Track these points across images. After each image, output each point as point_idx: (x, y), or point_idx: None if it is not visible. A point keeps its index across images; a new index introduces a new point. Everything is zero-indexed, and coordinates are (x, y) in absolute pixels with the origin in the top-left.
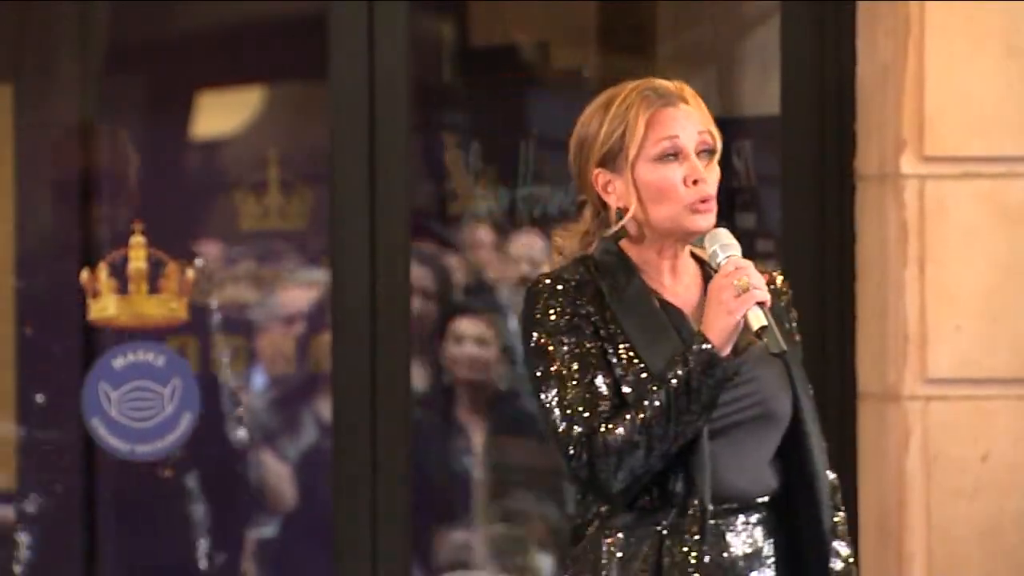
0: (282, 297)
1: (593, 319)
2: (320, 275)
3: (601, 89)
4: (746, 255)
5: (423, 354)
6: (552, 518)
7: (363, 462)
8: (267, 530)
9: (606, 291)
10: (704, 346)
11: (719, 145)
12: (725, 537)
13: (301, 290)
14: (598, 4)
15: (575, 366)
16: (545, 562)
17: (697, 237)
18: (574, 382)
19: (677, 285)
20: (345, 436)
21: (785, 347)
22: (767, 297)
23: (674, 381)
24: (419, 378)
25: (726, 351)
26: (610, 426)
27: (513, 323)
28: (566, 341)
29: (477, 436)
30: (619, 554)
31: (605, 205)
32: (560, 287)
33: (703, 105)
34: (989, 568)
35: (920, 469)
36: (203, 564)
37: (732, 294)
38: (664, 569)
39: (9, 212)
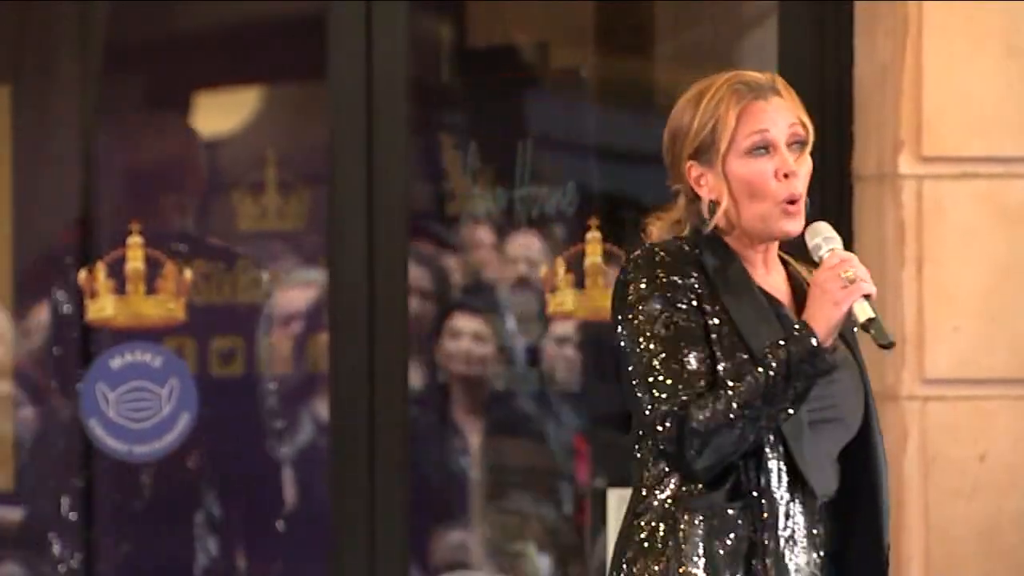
0: (280, 297)
1: (698, 291)
2: (318, 275)
3: (599, 88)
4: None
5: (421, 354)
6: (549, 518)
7: (360, 462)
8: (265, 530)
9: (710, 268)
10: (807, 334)
11: (811, 136)
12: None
13: (299, 290)
14: (597, 4)
15: (676, 340)
16: (543, 562)
17: (784, 238)
18: (673, 357)
19: (769, 277)
20: (343, 436)
21: (894, 339)
22: (873, 289)
23: (774, 365)
24: (417, 378)
25: (828, 343)
26: (703, 403)
27: (511, 323)
28: (668, 313)
29: (474, 436)
30: (700, 540)
31: (697, 197)
32: (664, 257)
33: (795, 96)
34: (987, 568)
35: (918, 469)
36: (201, 563)
37: (839, 285)
38: (758, 553)
39: (7, 212)
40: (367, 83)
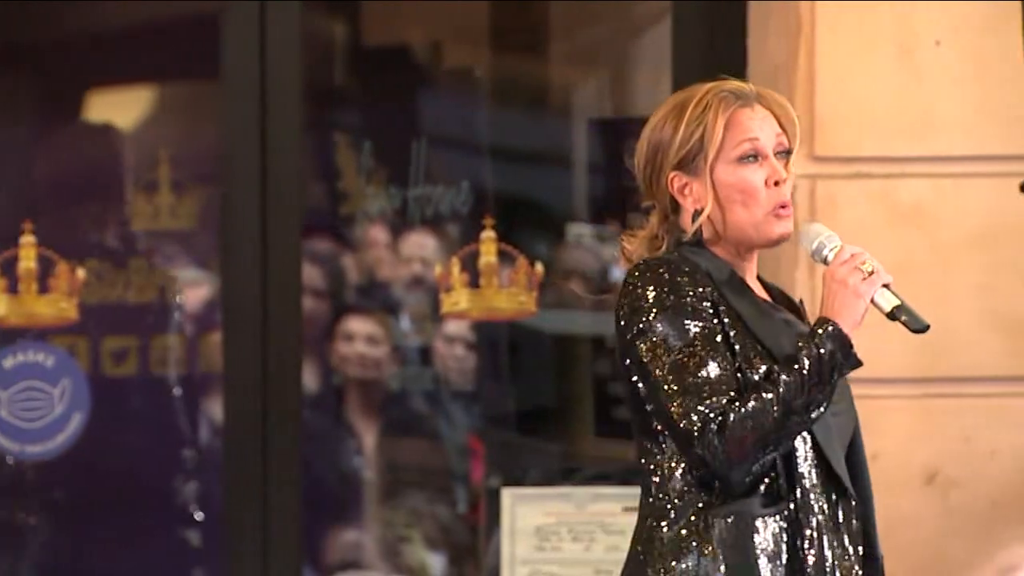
0: (173, 297)
1: (713, 299)
2: (211, 275)
3: (493, 88)
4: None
5: (315, 355)
6: (443, 518)
7: (254, 462)
8: (158, 530)
9: (714, 275)
10: (836, 329)
11: (796, 144)
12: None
13: (192, 290)
14: (491, 4)
15: (696, 347)
16: (436, 561)
17: (776, 243)
18: (695, 363)
19: (755, 287)
20: (236, 436)
21: (927, 323)
22: (891, 278)
23: (808, 363)
24: (311, 379)
25: (853, 336)
26: (739, 407)
27: (405, 323)
28: (685, 321)
29: (368, 436)
30: (731, 541)
31: (676, 209)
32: (675, 268)
33: (777, 103)
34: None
35: None
36: (93, 563)
37: (859, 277)
38: (797, 560)
39: None
40: (261, 82)
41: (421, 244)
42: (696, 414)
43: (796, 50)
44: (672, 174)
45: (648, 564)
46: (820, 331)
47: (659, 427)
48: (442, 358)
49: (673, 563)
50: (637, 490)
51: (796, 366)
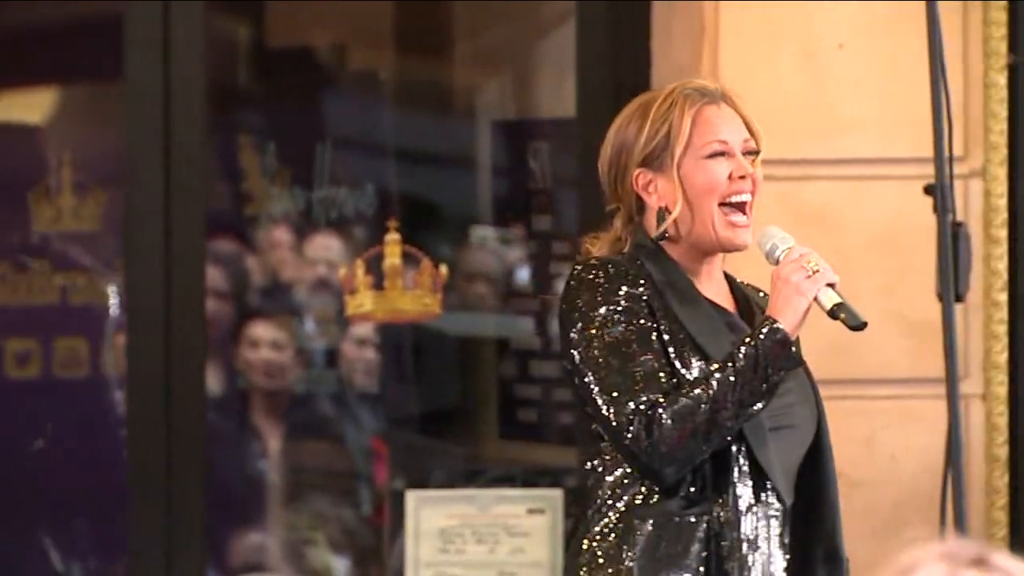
0: (76, 299)
1: (648, 301)
2: (115, 277)
3: (397, 90)
4: (543, 257)
5: (219, 357)
6: (347, 520)
7: (158, 465)
8: (61, 531)
9: (656, 280)
10: (775, 327)
11: (762, 146)
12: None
13: (95, 292)
14: (394, 5)
15: (630, 345)
16: (340, 564)
17: (731, 251)
18: (629, 360)
19: (711, 289)
20: (140, 439)
21: (865, 320)
22: (837, 278)
23: (742, 360)
24: (214, 381)
25: (795, 335)
26: (671, 401)
27: (310, 325)
28: (620, 320)
29: (272, 439)
30: (650, 549)
31: (641, 209)
32: (611, 268)
33: (742, 104)
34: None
35: None
36: None
37: (803, 275)
38: (716, 561)
39: None
40: (164, 84)
41: (325, 246)
42: (628, 410)
43: (700, 52)
44: (637, 171)
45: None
46: (759, 330)
47: (597, 429)
48: (347, 360)
49: (600, 573)
50: (541, 492)
51: (731, 364)
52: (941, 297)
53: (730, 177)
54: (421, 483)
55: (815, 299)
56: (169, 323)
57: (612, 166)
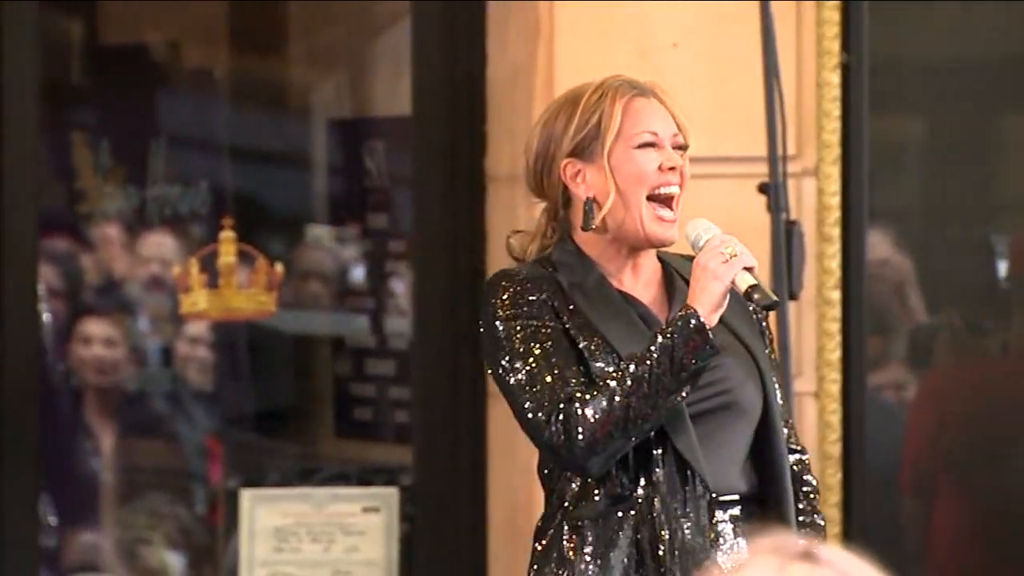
0: None
1: (555, 307)
2: None
3: (232, 88)
4: (378, 255)
5: (52, 356)
6: (182, 519)
7: None
8: None
9: (565, 285)
10: (689, 313)
11: (689, 141)
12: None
13: None
14: (229, 4)
15: (544, 348)
16: (175, 563)
17: (656, 246)
18: (544, 362)
19: (637, 282)
20: None
21: (777, 298)
22: (755, 262)
23: (657, 349)
24: (48, 380)
25: (713, 321)
26: (588, 396)
27: (144, 323)
28: (532, 325)
29: (106, 438)
30: (588, 548)
31: (567, 203)
32: (519, 279)
33: (670, 100)
34: None
35: None
36: None
37: (720, 260)
38: (648, 555)
39: None
40: None
41: (160, 244)
42: (545, 409)
43: (535, 51)
44: (566, 161)
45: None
46: (675, 319)
47: None
48: (181, 359)
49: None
50: (376, 490)
51: (646, 355)
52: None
53: (660, 168)
54: (256, 482)
55: (732, 282)
56: (2, 321)
57: (539, 159)
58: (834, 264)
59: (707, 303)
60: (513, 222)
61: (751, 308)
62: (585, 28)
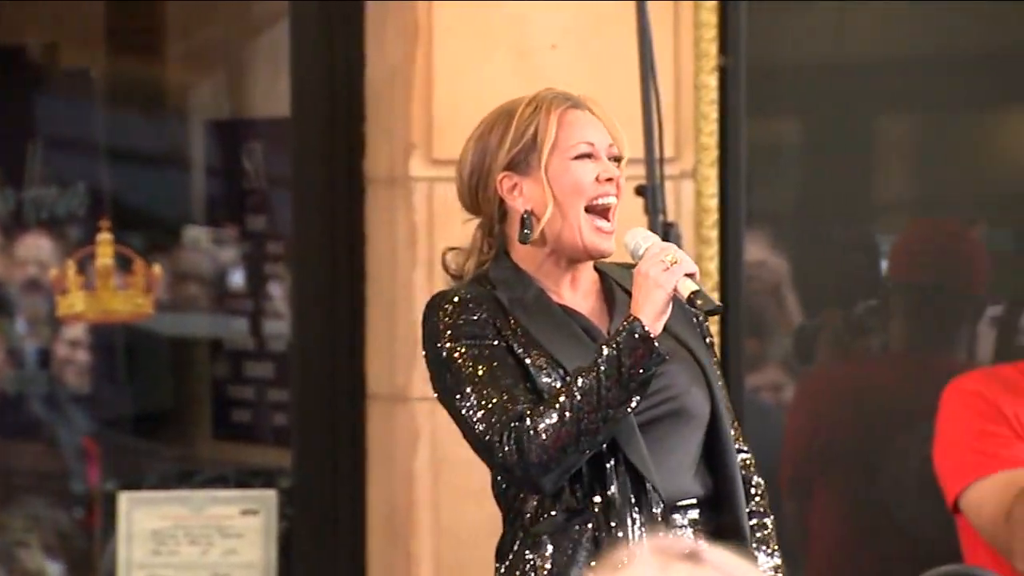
0: None
1: (497, 325)
2: None
3: (109, 89)
4: (257, 257)
5: None
6: (59, 522)
7: None
8: None
9: (506, 302)
10: (633, 323)
11: (624, 152)
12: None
13: None
14: (106, 4)
15: (490, 367)
16: (53, 567)
17: (594, 257)
18: (491, 381)
19: (576, 294)
20: None
21: (719, 303)
22: (696, 268)
23: (602, 362)
24: None
25: (658, 329)
26: (539, 412)
27: (20, 326)
28: (475, 345)
29: None
30: (548, 564)
31: (503, 217)
32: (459, 299)
33: (602, 112)
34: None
35: (428, 470)
36: None
37: (661, 268)
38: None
39: None
40: None
41: (36, 246)
42: (495, 427)
43: (413, 52)
44: (502, 175)
45: None
46: (620, 330)
47: None
48: (58, 361)
49: None
50: (255, 493)
51: (593, 368)
52: None
53: (597, 179)
54: (134, 484)
55: (675, 289)
56: None
57: (474, 173)
58: (712, 266)
59: (651, 312)
60: (392, 224)
61: (691, 313)
62: (464, 29)
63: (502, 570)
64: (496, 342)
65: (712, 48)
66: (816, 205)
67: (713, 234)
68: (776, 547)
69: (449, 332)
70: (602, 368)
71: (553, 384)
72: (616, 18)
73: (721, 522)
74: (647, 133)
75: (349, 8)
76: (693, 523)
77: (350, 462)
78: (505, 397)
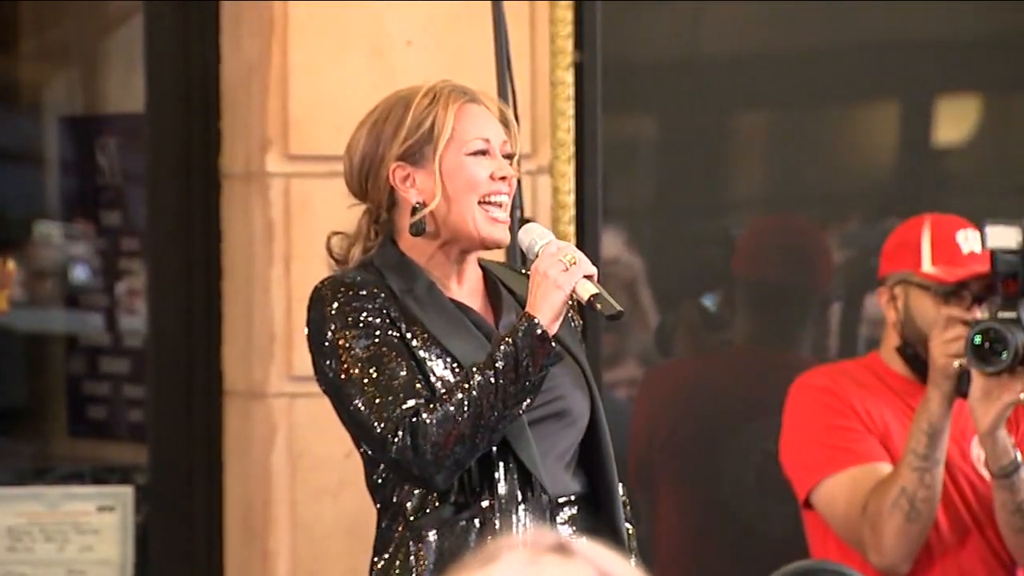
0: None
1: (390, 314)
2: None
3: None
4: (112, 253)
5: None
6: None
7: None
8: None
9: (396, 289)
10: (532, 322)
11: (518, 150)
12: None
13: None
14: None
15: (381, 357)
16: None
17: (489, 247)
18: (383, 372)
19: (462, 289)
20: None
21: (620, 308)
22: (594, 270)
23: (501, 359)
24: None
25: (554, 330)
26: (433, 407)
27: None
28: (366, 334)
29: None
30: (433, 557)
31: (392, 206)
32: (348, 285)
33: (498, 108)
34: (352, 564)
35: (286, 467)
36: None
37: (560, 269)
38: None
39: None
40: None
41: None
42: (389, 420)
43: (269, 50)
44: (395, 165)
45: None
46: (517, 327)
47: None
48: None
49: None
50: (111, 489)
51: (490, 365)
52: None
53: (491, 177)
54: (8, 481)
55: (573, 290)
56: None
57: (365, 160)
58: None
59: (549, 312)
60: (248, 220)
61: (568, 315)
62: (319, 26)
63: (380, 564)
64: (390, 331)
65: (568, 45)
66: (672, 201)
67: (570, 229)
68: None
69: (338, 319)
70: (499, 365)
71: (448, 380)
72: (472, 15)
73: (598, 522)
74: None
75: (203, 5)
76: (572, 519)
77: (206, 458)
78: (398, 391)
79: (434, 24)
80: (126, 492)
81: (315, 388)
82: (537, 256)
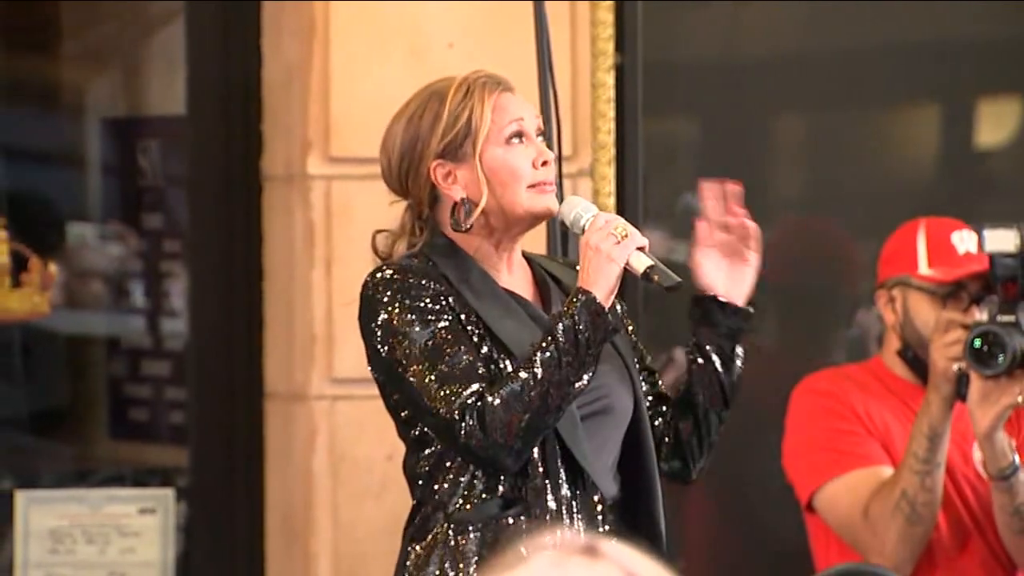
0: None
1: (449, 300)
2: None
3: (4, 87)
4: (154, 255)
5: None
6: None
7: None
8: None
9: (452, 278)
10: (588, 296)
11: (557, 150)
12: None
13: None
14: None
15: (443, 342)
16: None
17: (544, 219)
18: (447, 356)
19: (513, 279)
20: None
21: (679, 279)
22: (646, 241)
23: (561, 334)
24: None
25: (608, 303)
26: (498, 388)
27: None
28: (426, 319)
29: None
30: (476, 553)
31: (434, 202)
32: (404, 271)
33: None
34: (393, 566)
35: (327, 469)
36: None
37: (612, 242)
38: None
39: None
40: None
41: None
42: (456, 404)
43: (310, 51)
44: (435, 163)
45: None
46: (573, 302)
47: (416, 435)
48: None
49: None
50: (152, 491)
51: (551, 341)
52: None
53: (533, 164)
54: (30, 483)
55: (627, 264)
56: None
57: (404, 158)
58: None
59: (604, 286)
60: (289, 223)
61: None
62: (360, 28)
63: (418, 548)
64: (449, 317)
65: (609, 47)
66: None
67: None
68: None
69: (397, 305)
70: (560, 341)
71: (504, 367)
72: (513, 17)
73: (637, 521)
74: (545, 131)
75: (245, 7)
76: (614, 519)
77: (247, 461)
78: (463, 376)
79: (474, 26)
80: (167, 494)
81: (356, 391)
82: (584, 230)
